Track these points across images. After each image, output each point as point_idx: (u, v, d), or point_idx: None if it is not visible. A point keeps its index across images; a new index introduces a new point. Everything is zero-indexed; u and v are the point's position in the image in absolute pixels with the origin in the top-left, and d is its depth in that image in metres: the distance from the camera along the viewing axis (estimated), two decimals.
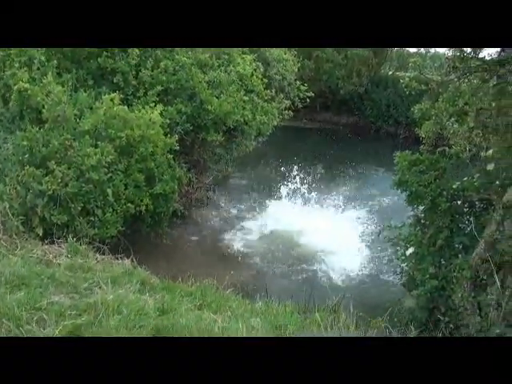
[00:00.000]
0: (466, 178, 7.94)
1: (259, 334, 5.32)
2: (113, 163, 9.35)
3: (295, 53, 19.40)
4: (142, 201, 9.90)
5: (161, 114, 10.58)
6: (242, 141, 14.68)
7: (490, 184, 7.53)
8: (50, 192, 8.47)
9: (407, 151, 8.62)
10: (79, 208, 8.81)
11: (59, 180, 8.54)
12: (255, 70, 14.55)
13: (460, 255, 7.65)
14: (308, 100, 17.98)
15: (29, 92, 9.36)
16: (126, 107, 10.10)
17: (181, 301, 6.32)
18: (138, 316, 5.17)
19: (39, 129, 9.05)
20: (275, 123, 14.97)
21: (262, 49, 16.24)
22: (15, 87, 9.36)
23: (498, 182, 7.36)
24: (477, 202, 7.97)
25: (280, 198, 16.53)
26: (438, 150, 8.50)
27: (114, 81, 11.33)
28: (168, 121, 11.07)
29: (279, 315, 6.42)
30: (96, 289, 5.91)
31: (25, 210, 8.45)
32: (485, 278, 6.82)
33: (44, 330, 4.55)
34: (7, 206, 8.25)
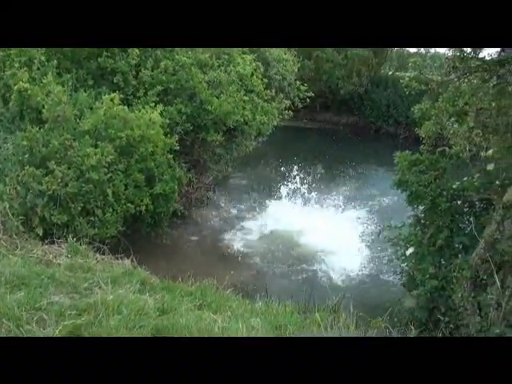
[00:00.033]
0: (466, 178, 7.95)
1: (259, 334, 5.32)
2: (113, 163, 9.35)
3: (295, 53, 19.44)
4: (142, 201, 9.91)
5: (161, 114, 10.59)
6: (242, 141, 14.68)
7: (490, 184, 7.53)
8: (50, 192, 8.47)
9: (407, 151, 8.61)
10: (79, 208, 8.82)
11: (59, 180, 8.55)
12: (255, 70, 14.55)
13: (460, 255, 7.65)
14: (308, 100, 17.99)
15: (29, 92, 9.36)
16: (126, 107, 10.11)
17: (181, 301, 6.32)
18: (137, 316, 5.17)
19: (39, 129, 9.05)
20: (275, 123, 14.97)
21: (261, 49, 16.26)
22: (15, 87, 9.37)
23: (498, 182, 7.36)
24: (477, 202, 7.97)
25: (280, 198, 16.54)
26: (438, 150, 8.50)
27: (114, 81, 11.34)
28: (168, 121, 11.08)
29: (279, 315, 6.42)
30: (96, 289, 5.91)
31: (25, 210, 8.46)
32: (485, 277, 6.82)
33: (44, 330, 4.55)
34: (7, 206, 8.26)
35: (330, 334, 5.59)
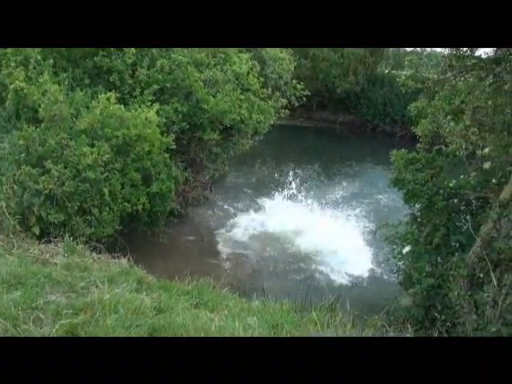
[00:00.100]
0: (462, 177, 7.96)
1: (256, 333, 5.32)
2: (109, 162, 9.34)
3: (291, 52, 19.40)
4: (138, 200, 9.89)
5: (157, 112, 10.57)
6: (239, 139, 14.67)
7: (486, 182, 7.55)
8: (47, 191, 8.46)
9: (403, 149, 8.62)
10: (76, 207, 8.81)
11: (56, 179, 8.54)
12: (251, 68, 14.52)
13: (456, 253, 7.66)
14: (304, 99, 17.96)
15: (25, 91, 9.35)
16: (122, 106, 10.09)
17: (177, 300, 6.33)
18: (134, 315, 5.17)
19: (35, 128, 9.03)
20: (272, 122, 14.95)
21: (258, 47, 16.23)
22: (11, 86, 9.35)
23: (494, 181, 7.38)
24: (473, 201, 7.98)
25: (277, 196, 16.54)
26: (435, 148, 8.50)
27: (110, 80, 11.32)
28: (164, 120, 11.06)
29: (276, 314, 6.43)
30: (93, 288, 5.91)
31: (21, 210, 8.45)
32: (481, 276, 6.84)
33: (41, 329, 4.55)
34: (4, 206, 8.25)
35: (327, 333, 5.60)
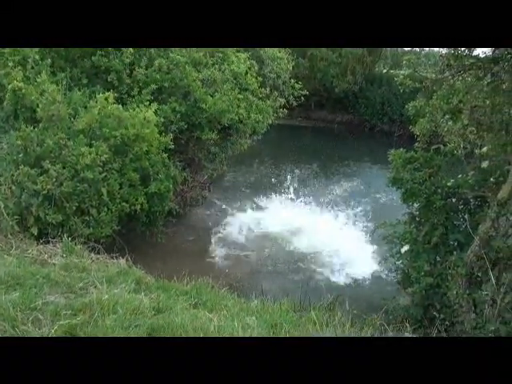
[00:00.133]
0: (460, 176, 7.97)
1: (255, 333, 5.32)
2: (107, 162, 9.33)
3: (289, 51, 19.40)
4: (136, 200, 9.89)
5: (155, 112, 10.57)
6: (237, 139, 14.68)
7: (484, 181, 7.55)
8: (45, 191, 8.45)
9: (401, 149, 8.63)
10: (74, 207, 8.80)
11: (54, 179, 8.53)
12: (249, 68, 14.53)
13: (455, 252, 7.67)
14: (302, 98, 17.96)
15: (23, 91, 9.34)
16: (120, 106, 10.09)
17: (176, 300, 6.32)
18: (133, 315, 5.17)
19: (33, 128, 9.02)
20: (270, 121, 14.96)
21: (256, 47, 16.23)
22: (9, 86, 9.34)
23: (492, 180, 7.38)
24: (471, 200, 8.00)
25: (275, 196, 16.55)
26: (433, 147, 8.51)
27: (108, 79, 11.32)
28: (162, 119, 11.06)
29: (275, 314, 6.43)
30: (91, 288, 5.90)
31: (20, 210, 8.44)
32: (480, 274, 6.85)
33: (39, 329, 4.54)
34: (2, 206, 8.25)
35: (326, 333, 5.60)
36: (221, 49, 14.04)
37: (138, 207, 9.89)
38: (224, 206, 15.63)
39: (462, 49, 6.70)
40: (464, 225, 7.85)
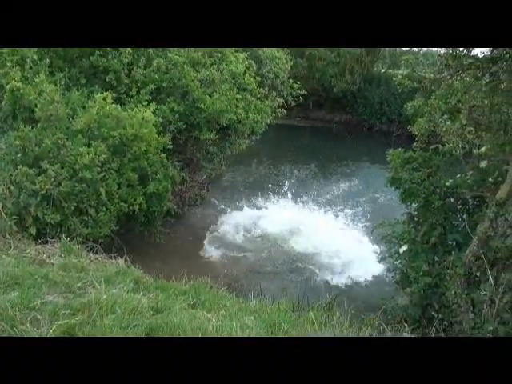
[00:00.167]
0: (459, 176, 7.97)
1: (253, 333, 5.32)
2: (106, 162, 9.33)
3: (288, 51, 19.38)
4: (135, 200, 9.88)
5: (154, 112, 10.57)
6: (236, 139, 14.68)
7: (482, 181, 7.56)
8: (43, 191, 8.45)
9: (400, 149, 8.62)
10: (72, 207, 8.80)
11: (52, 179, 8.53)
12: (248, 68, 14.52)
13: (453, 252, 7.68)
14: (301, 98, 17.94)
15: (21, 91, 9.34)
16: (118, 106, 10.09)
17: (175, 300, 6.31)
18: (131, 315, 5.16)
19: (32, 128, 9.02)
20: (268, 121, 14.94)
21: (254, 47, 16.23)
22: (8, 86, 9.35)
23: (490, 179, 7.39)
24: (470, 200, 8.00)
25: (273, 196, 16.54)
26: (431, 147, 8.51)
27: (107, 79, 11.32)
28: (161, 119, 11.06)
29: (273, 313, 6.42)
30: (90, 288, 5.90)
31: (18, 210, 8.44)
32: (478, 274, 6.85)
33: (38, 329, 4.54)
34: (0, 206, 8.25)
35: (324, 332, 5.60)
36: (219, 49, 14.03)
37: (137, 207, 9.89)
38: (222, 206, 15.61)
39: (461, 49, 6.70)
40: (462, 225, 7.85)
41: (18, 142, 8.77)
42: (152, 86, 11.50)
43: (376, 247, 12.30)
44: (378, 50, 29.90)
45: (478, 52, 6.86)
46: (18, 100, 9.46)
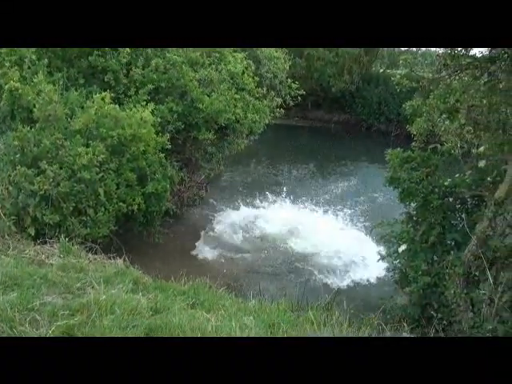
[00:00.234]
0: (457, 175, 7.97)
1: (252, 333, 5.32)
2: (104, 162, 9.32)
3: (286, 51, 19.39)
4: (134, 200, 9.87)
5: (152, 112, 10.56)
6: (234, 139, 14.67)
7: (481, 181, 7.56)
8: (42, 192, 8.44)
9: (398, 148, 8.63)
10: (71, 208, 8.79)
11: (51, 180, 8.52)
12: (246, 68, 14.51)
13: (452, 252, 7.68)
14: (299, 98, 17.94)
15: (20, 91, 9.33)
16: (117, 106, 10.08)
17: (174, 300, 6.31)
18: (131, 316, 5.16)
19: (30, 128, 9.01)
20: (267, 121, 14.94)
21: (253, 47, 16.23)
22: (6, 86, 9.34)
23: (489, 179, 7.40)
24: (469, 199, 8.00)
25: (272, 196, 16.55)
26: (430, 147, 8.52)
27: (105, 79, 11.31)
28: (159, 119, 11.04)
29: (272, 313, 6.42)
30: (89, 289, 5.90)
31: (17, 210, 8.43)
32: (477, 274, 6.86)
33: (37, 330, 4.54)
34: None
35: (324, 332, 5.60)
36: (218, 49, 14.03)
37: (135, 207, 9.88)
38: (221, 206, 15.62)
39: (459, 48, 6.70)
40: (461, 224, 7.85)
41: (16, 143, 8.76)
42: (150, 86, 11.48)
43: (375, 247, 12.30)
44: (377, 50, 29.92)
45: (477, 52, 6.87)
46: (17, 100, 9.45)
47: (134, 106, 10.57)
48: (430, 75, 7.77)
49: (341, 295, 8.56)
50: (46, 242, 8.05)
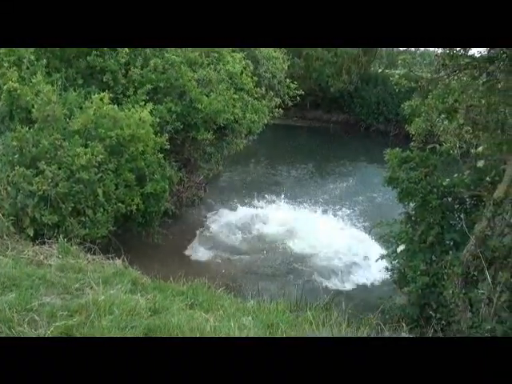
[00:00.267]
0: (456, 175, 7.98)
1: (251, 333, 5.32)
2: (103, 163, 9.30)
3: (285, 50, 19.38)
4: (132, 200, 9.87)
5: (151, 112, 10.54)
6: (233, 139, 14.66)
7: (480, 181, 7.57)
8: (41, 192, 8.43)
9: (397, 148, 8.63)
10: (70, 208, 8.78)
11: (49, 180, 8.51)
12: (245, 68, 14.50)
13: (451, 252, 7.68)
14: (298, 98, 17.93)
15: (18, 92, 9.32)
16: (115, 106, 10.07)
17: (172, 300, 6.31)
18: (129, 316, 5.16)
19: (29, 129, 9.00)
20: (265, 121, 14.94)
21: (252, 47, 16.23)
22: (5, 87, 9.32)
23: (488, 179, 7.40)
24: (467, 199, 8.01)
25: (271, 196, 16.55)
26: (429, 147, 8.52)
27: (104, 80, 11.29)
28: (158, 120, 11.02)
29: (271, 314, 6.43)
30: (87, 289, 5.89)
31: (15, 211, 8.42)
32: (476, 274, 6.86)
33: (36, 331, 4.53)
34: None
35: (322, 332, 5.60)
36: (216, 49, 14.02)
37: (134, 208, 9.88)
38: (220, 207, 15.61)
39: (458, 48, 6.70)
40: (460, 224, 7.86)
41: (15, 143, 8.75)
42: (149, 86, 11.47)
43: (374, 247, 12.30)
44: (375, 50, 29.93)
45: (475, 52, 6.88)
46: (15, 101, 9.44)
47: (133, 107, 10.56)
48: (429, 75, 7.78)
49: (339, 295, 8.55)
50: (44, 243, 8.04)
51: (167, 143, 10.81)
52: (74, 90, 10.51)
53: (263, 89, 15.54)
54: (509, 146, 6.85)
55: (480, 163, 7.69)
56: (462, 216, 7.86)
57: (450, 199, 8.01)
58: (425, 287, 7.58)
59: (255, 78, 14.89)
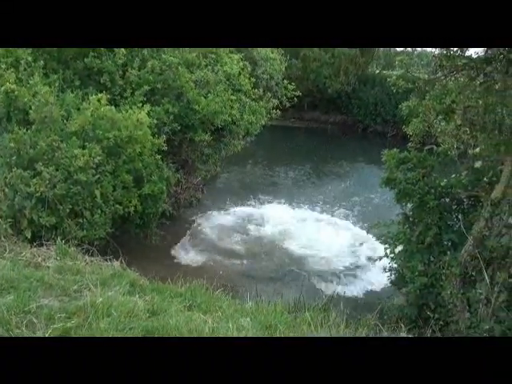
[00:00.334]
0: (453, 176, 8.00)
1: (249, 334, 5.31)
2: (101, 164, 9.30)
3: (282, 52, 19.41)
4: (130, 202, 9.86)
5: (148, 114, 10.54)
6: (230, 140, 14.67)
7: (477, 181, 7.58)
8: (38, 194, 8.42)
9: (395, 149, 8.64)
10: (67, 210, 8.77)
11: (47, 182, 8.50)
12: (242, 69, 14.53)
13: (449, 252, 7.70)
14: (296, 99, 17.98)
15: (16, 93, 9.31)
16: (113, 108, 10.06)
17: (170, 302, 6.30)
18: (127, 318, 5.14)
19: (26, 130, 8.99)
20: (263, 122, 14.96)
21: (249, 48, 16.23)
22: (2, 88, 9.31)
23: (485, 179, 7.41)
24: (465, 200, 8.02)
25: (269, 198, 16.56)
26: (426, 147, 8.53)
27: (101, 81, 11.30)
28: (155, 121, 11.03)
29: (269, 315, 6.41)
30: (85, 291, 5.87)
31: (13, 213, 8.41)
32: (474, 274, 6.87)
33: (34, 333, 4.52)
34: None
35: (321, 333, 5.59)
36: (214, 50, 14.03)
37: (132, 209, 9.87)
38: (217, 208, 15.61)
39: (455, 49, 6.71)
40: (458, 225, 7.88)
41: (12, 145, 8.74)
42: (146, 88, 11.47)
43: (372, 248, 12.31)
44: (373, 51, 29.98)
45: (472, 52, 6.88)
46: (13, 102, 9.44)
47: (130, 108, 10.55)
48: (426, 76, 7.80)
49: (338, 296, 8.55)
50: (42, 245, 8.02)
51: (165, 144, 10.80)
52: (72, 92, 10.51)
53: (261, 90, 15.55)
54: (506, 146, 6.86)
55: (477, 164, 7.71)
56: (459, 216, 7.88)
57: (447, 200, 8.03)
58: (423, 288, 7.59)
59: (253, 80, 14.93)
